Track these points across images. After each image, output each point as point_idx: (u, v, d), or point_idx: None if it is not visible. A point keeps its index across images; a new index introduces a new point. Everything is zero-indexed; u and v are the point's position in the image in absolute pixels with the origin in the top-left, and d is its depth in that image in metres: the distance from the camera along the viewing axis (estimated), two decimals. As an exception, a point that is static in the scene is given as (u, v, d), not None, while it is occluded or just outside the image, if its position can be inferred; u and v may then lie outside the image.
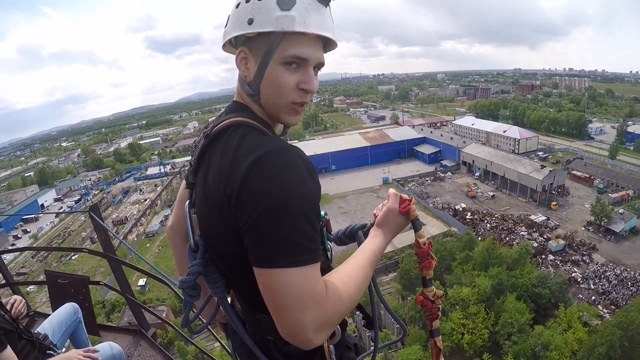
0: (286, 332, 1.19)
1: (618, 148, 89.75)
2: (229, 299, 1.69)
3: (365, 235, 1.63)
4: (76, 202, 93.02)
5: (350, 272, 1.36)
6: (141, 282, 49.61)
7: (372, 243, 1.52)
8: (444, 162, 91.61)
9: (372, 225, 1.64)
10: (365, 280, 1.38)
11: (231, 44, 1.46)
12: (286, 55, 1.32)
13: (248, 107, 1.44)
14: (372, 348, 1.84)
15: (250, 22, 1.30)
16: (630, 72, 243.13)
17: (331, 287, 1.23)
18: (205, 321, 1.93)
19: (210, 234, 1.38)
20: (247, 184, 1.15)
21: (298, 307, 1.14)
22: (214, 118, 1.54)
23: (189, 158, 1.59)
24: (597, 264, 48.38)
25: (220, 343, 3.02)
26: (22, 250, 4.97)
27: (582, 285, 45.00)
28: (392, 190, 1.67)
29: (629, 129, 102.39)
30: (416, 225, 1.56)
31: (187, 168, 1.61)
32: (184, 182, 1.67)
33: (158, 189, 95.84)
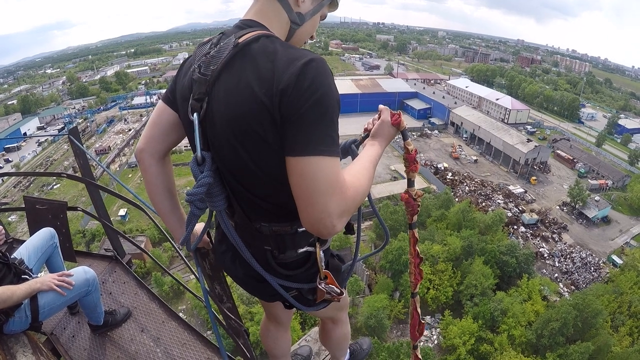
0: (314, 219, 1.34)
1: (606, 137, 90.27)
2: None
3: (357, 148, 1.85)
4: (59, 130, 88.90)
5: (360, 169, 1.52)
6: (122, 212, 49.42)
7: (371, 150, 1.67)
8: (433, 120, 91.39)
9: (363, 139, 1.83)
10: (370, 180, 1.53)
11: None
12: (325, 13, 1.69)
13: (264, 25, 1.54)
14: (354, 257, 2.07)
15: None
16: (633, 66, 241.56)
17: (348, 179, 1.40)
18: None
19: (234, 140, 1.42)
20: (301, 80, 1.28)
21: (327, 192, 1.31)
22: (207, 39, 1.62)
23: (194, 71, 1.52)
24: (565, 244, 49.54)
25: (195, 275, 2.58)
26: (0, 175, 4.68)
27: (548, 261, 46.25)
28: (382, 106, 1.82)
29: (620, 122, 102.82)
30: (405, 135, 1.76)
31: (193, 80, 1.53)
32: (160, 103, 1.77)
33: (143, 119, 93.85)
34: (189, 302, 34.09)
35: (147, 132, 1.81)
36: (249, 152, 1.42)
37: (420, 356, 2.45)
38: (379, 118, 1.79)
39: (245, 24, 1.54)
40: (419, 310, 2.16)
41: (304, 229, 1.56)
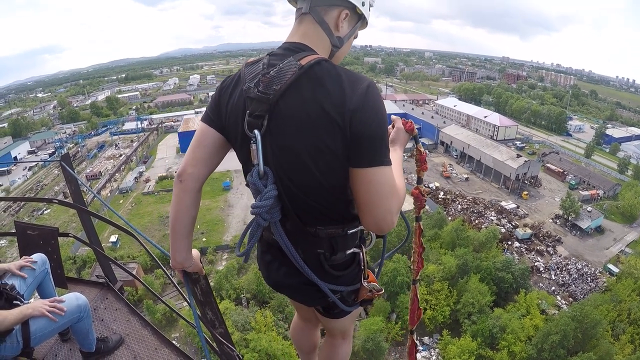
0: (378, 218, 1.61)
1: (594, 148, 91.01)
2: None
3: None
4: (50, 155, 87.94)
5: (397, 173, 1.71)
6: (113, 238, 48.82)
7: (395, 154, 1.88)
8: (422, 140, 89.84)
9: None
10: (403, 180, 1.78)
11: None
12: (357, 34, 1.87)
13: (312, 49, 1.69)
14: (382, 256, 2.41)
15: (363, 4, 1.73)
16: (617, 77, 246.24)
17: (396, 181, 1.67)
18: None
19: (305, 154, 1.58)
20: (367, 102, 1.51)
21: (390, 195, 1.60)
22: (254, 59, 1.77)
23: (248, 90, 1.64)
24: (560, 256, 49.61)
25: (187, 301, 2.71)
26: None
27: (544, 275, 46.21)
28: (395, 116, 2.12)
29: (607, 132, 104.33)
30: (417, 139, 2.13)
31: (249, 98, 1.64)
32: (202, 125, 1.83)
33: (134, 144, 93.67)
34: (182, 329, 33.67)
35: (193, 155, 1.82)
36: (318, 165, 1.59)
37: (416, 340, 2.75)
38: (392, 127, 2.05)
39: (296, 47, 1.69)
40: (418, 296, 2.48)
41: (353, 230, 1.85)
